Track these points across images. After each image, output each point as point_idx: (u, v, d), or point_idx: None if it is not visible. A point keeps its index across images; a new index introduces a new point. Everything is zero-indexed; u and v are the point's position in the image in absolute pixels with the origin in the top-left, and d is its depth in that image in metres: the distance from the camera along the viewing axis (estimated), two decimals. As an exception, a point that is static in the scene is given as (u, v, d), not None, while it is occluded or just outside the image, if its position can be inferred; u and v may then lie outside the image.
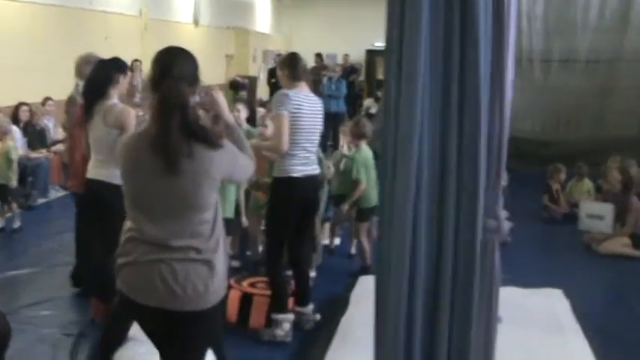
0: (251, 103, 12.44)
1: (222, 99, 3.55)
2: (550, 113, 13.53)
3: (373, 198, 7.03)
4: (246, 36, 22.55)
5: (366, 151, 7.25)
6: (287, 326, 5.50)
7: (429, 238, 1.61)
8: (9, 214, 8.72)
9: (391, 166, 1.59)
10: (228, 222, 6.34)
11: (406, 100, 1.56)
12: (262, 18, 26.31)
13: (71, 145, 6.19)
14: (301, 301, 5.79)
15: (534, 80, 13.60)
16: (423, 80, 1.57)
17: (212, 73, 18.08)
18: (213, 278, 3.14)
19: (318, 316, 5.84)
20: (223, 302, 3.34)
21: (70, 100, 6.81)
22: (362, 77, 24.69)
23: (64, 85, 8.63)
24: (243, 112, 7.37)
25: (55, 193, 10.56)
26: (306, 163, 5.46)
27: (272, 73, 18.32)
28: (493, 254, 3.83)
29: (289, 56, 5.67)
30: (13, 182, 8.59)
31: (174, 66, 3.12)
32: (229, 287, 5.82)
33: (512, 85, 3.94)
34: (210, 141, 3.09)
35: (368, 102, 21.31)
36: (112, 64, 5.54)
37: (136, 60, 13.65)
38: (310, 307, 5.82)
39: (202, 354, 3.40)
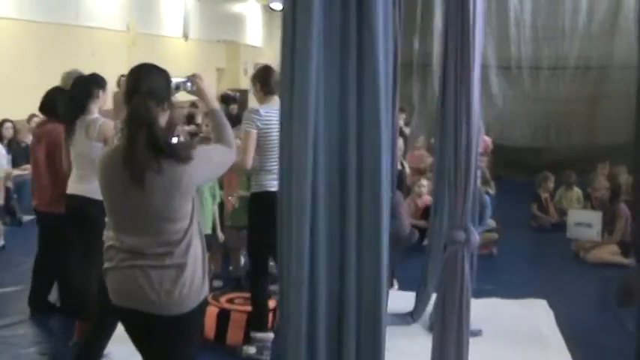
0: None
1: (206, 85, 3.53)
2: (540, 121, 13.48)
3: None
4: (236, 49, 22.56)
5: None
6: (266, 345, 5.40)
7: (329, 244, 1.53)
8: (-7, 232, 8.63)
9: (287, 173, 1.52)
10: (206, 238, 6.30)
11: (299, 101, 1.50)
12: (253, 31, 26.31)
13: (34, 163, 6.18)
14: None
15: (524, 88, 13.57)
16: (317, 80, 1.50)
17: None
18: (186, 283, 3.18)
19: None
20: (203, 311, 3.39)
21: None
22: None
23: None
24: None
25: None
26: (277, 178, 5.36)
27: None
28: (462, 266, 3.78)
29: (261, 70, 5.56)
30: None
31: (143, 82, 3.15)
32: (207, 303, 5.77)
33: (479, 95, 3.90)
34: (179, 156, 3.11)
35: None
36: (91, 79, 5.60)
37: (122, 75, 13.60)
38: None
39: None
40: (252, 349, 5.37)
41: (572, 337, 5.58)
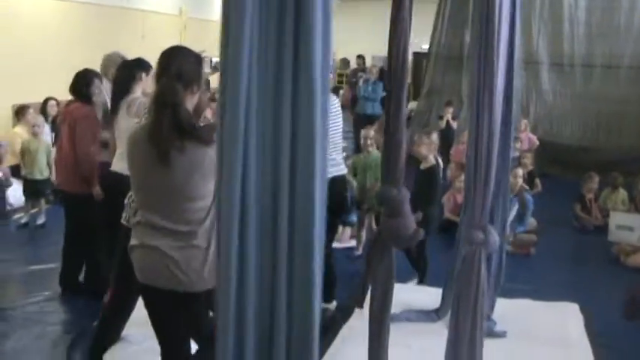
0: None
1: None
2: (590, 119, 13.17)
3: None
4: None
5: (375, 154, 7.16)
6: None
7: (260, 243, 1.49)
8: (35, 210, 8.77)
9: (219, 175, 1.49)
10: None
11: (229, 99, 1.46)
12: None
13: (59, 142, 6.32)
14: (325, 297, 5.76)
15: (575, 85, 13.28)
16: (249, 77, 1.45)
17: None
18: (207, 262, 3.29)
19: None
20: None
21: None
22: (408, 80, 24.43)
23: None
24: None
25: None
26: (332, 165, 5.54)
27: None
28: (479, 267, 3.69)
29: None
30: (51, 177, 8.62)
31: (172, 65, 3.29)
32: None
33: (500, 93, 3.79)
34: (201, 138, 3.21)
35: (412, 104, 21.07)
36: (135, 63, 5.84)
37: (172, 59, 13.77)
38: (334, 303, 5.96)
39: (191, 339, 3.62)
40: None
41: (601, 343, 5.45)
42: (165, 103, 3.20)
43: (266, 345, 1.49)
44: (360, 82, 14.40)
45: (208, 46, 16.73)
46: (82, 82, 6.05)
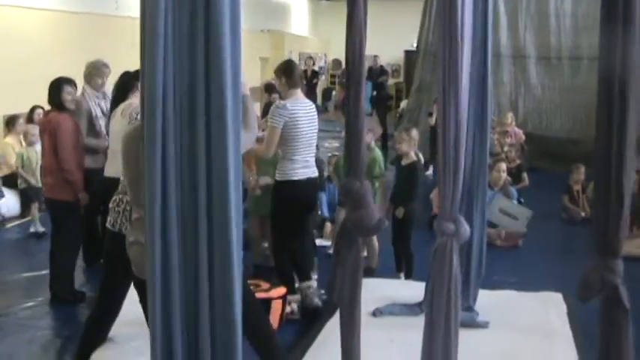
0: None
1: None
2: (579, 112, 13.24)
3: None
4: (281, 39, 22.61)
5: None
6: (294, 306, 5.91)
7: (182, 232, 1.57)
8: (28, 218, 8.85)
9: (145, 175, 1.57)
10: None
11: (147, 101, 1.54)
12: (299, 20, 26.33)
13: (42, 151, 6.48)
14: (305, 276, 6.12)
15: (564, 78, 13.36)
16: (165, 78, 1.54)
17: (246, 75, 18.12)
18: None
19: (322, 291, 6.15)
20: None
21: (75, 105, 6.94)
22: (400, 78, 24.61)
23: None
24: None
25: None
26: (306, 166, 5.86)
27: (302, 76, 18.40)
28: (451, 257, 3.77)
29: (285, 64, 6.17)
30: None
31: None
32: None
33: (466, 87, 3.86)
34: None
35: (404, 103, 21.17)
36: (133, 74, 6.16)
37: (163, 65, 13.82)
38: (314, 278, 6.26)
39: None
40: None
41: (586, 331, 5.51)
42: None
43: (192, 331, 1.58)
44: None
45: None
46: (56, 91, 6.17)
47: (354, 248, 2.53)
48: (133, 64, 6.42)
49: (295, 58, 22.69)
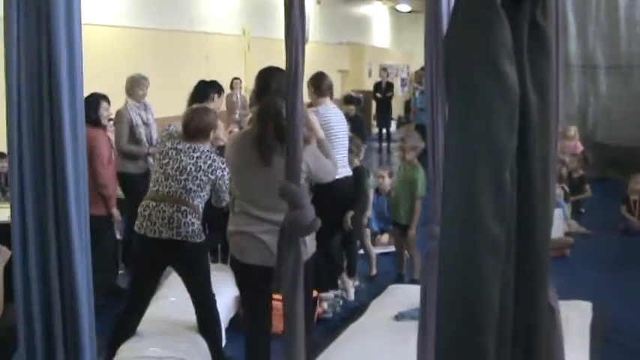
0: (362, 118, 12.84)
1: (314, 119, 4.48)
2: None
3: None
4: (360, 51, 22.83)
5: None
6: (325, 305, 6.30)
7: (37, 233, 1.80)
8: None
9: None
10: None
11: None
12: (380, 32, 26.51)
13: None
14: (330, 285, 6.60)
15: (634, 87, 13.05)
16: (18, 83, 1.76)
17: (323, 88, 18.44)
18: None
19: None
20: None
21: (117, 115, 7.56)
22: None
23: (165, 104, 9.31)
24: None
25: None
26: (342, 166, 6.22)
27: (376, 88, 18.51)
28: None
29: (315, 76, 6.62)
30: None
31: (272, 82, 4.03)
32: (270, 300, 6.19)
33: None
34: None
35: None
36: (210, 84, 6.92)
37: (235, 78, 14.22)
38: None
39: None
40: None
41: (618, 341, 5.53)
42: (269, 115, 3.96)
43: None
44: (417, 94, 14.59)
45: (275, 64, 17.17)
46: (93, 107, 6.46)
47: (294, 247, 2.73)
48: (207, 76, 6.93)
49: (375, 71, 22.91)
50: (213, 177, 4.89)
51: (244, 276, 4.34)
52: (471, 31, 1.61)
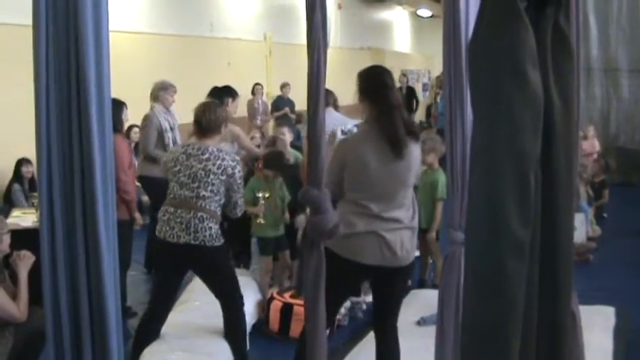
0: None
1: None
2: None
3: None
4: (382, 56, 22.79)
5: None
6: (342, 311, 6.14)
7: (66, 235, 1.82)
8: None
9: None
10: (279, 238, 6.68)
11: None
12: (401, 37, 26.49)
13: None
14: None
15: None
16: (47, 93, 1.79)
17: (344, 93, 18.43)
18: (414, 240, 4.26)
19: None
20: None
21: (145, 119, 7.66)
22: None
23: (188, 110, 9.33)
24: (287, 136, 7.54)
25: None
26: None
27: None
28: (460, 266, 3.88)
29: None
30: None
31: (385, 79, 4.21)
32: (271, 298, 6.17)
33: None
34: (415, 133, 4.24)
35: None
36: (224, 90, 7.08)
37: (257, 84, 14.26)
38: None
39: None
40: None
41: (634, 346, 5.49)
42: (394, 108, 4.09)
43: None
44: (438, 99, 14.55)
45: (296, 70, 17.17)
46: (115, 112, 6.49)
47: (316, 251, 2.75)
48: (230, 81, 6.99)
49: (396, 75, 22.80)
50: (224, 177, 4.90)
51: (357, 276, 4.47)
52: (496, 36, 1.62)
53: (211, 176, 4.86)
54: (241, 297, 5.19)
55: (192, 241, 4.85)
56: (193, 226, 4.83)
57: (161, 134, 7.47)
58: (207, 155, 4.90)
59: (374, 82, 4.22)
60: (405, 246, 4.16)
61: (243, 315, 5.23)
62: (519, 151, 1.66)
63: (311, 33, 2.71)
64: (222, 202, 4.99)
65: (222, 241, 4.99)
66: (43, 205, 1.82)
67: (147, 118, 7.60)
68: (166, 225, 4.92)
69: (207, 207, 4.87)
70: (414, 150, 4.20)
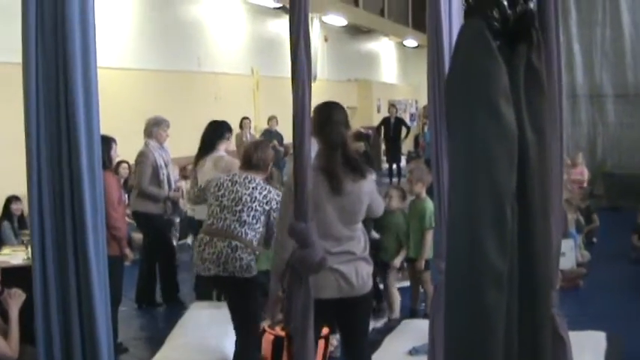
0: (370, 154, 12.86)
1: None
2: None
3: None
4: (369, 87, 22.97)
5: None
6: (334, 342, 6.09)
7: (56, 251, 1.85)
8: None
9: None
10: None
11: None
12: (388, 68, 26.68)
13: None
14: None
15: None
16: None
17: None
18: (370, 269, 4.22)
19: None
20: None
21: (140, 155, 7.68)
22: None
23: (176, 144, 9.40)
24: None
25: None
26: None
27: (383, 123, 18.57)
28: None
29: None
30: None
31: (333, 115, 4.14)
32: (263, 331, 6.17)
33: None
34: (361, 171, 4.12)
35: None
36: (222, 124, 7.20)
37: (245, 118, 14.33)
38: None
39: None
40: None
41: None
42: (335, 145, 4.05)
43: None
44: (426, 129, 14.65)
45: (283, 103, 17.23)
46: (105, 149, 6.49)
47: (304, 285, 2.77)
48: (217, 115, 7.08)
49: (384, 106, 23.00)
50: (268, 207, 4.98)
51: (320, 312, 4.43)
52: (470, 73, 1.67)
53: (256, 203, 4.94)
54: (256, 338, 5.25)
55: (221, 273, 4.93)
56: (224, 257, 4.90)
57: (156, 170, 7.51)
58: (254, 184, 5.00)
59: (318, 118, 4.13)
60: (361, 274, 4.12)
61: (253, 353, 5.26)
62: (496, 184, 1.70)
63: (295, 68, 2.75)
64: (260, 233, 5.06)
65: (254, 273, 5.04)
66: (35, 242, 1.84)
67: (142, 154, 7.62)
68: (199, 258, 5.03)
69: (244, 235, 4.94)
70: (360, 185, 4.09)
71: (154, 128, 7.68)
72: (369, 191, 4.15)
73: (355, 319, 4.32)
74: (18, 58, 2.00)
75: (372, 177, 4.21)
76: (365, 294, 4.19)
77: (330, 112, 4.15)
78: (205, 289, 6.67)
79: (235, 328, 5.17)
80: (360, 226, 4.19)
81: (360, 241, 4.15)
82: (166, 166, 7.62)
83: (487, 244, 1.69)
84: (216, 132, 7.05)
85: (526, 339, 1.87)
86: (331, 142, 4.03)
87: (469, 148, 1.72)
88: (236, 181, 5.03)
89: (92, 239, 1.84)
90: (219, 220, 4.97)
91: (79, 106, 1.83)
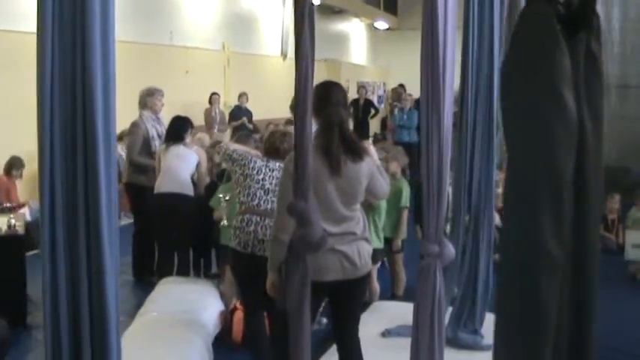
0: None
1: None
2: (629, 140, 13.09)
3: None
4: (337, 67, 22.85)
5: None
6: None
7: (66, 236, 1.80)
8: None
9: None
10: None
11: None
12: (357, 49, 26.61)
13: None
14: None
15: (611, 107, 13.22)
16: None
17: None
18: (370, 248, 4.23)
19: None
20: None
21: (133, 126, 7.69)
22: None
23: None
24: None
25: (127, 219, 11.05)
26: None
27: (353, 105, 18.52)
28: (435, 278, 3.90)
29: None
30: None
31: (332, 95, 4.10)
32: (234, 309, 6.13)
33: (450, 111, 4.01)
34: (360, 151, 4.07)
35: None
36: (186, 120, 7.49)
37: (214, 93, 14.18)
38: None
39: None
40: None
41: (612, 358, 5.59)
42: (333, 125, 4.00)
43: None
44: (396, 111, 14.66)
45: (253, 80, 17.07)
46: None
47: (302, 264, 2.73)
48: (188, 90, 7.08)
49: (353, 88, 22.92)
50: None
51: (319, 293, 4.17)
52: (535, 60, 1.64)
53: None
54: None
55: None
56: None
57: (147, 141, 7.52)
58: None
59: (318, 98, 4.04)
60: (363, 255, 4.14)
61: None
62: (555, 171, 1.68)
63: (300, 44, 2.70)
64: None
65: None
66: (45, 205, 1.78)
67: (134, 125, 7.64)
68: (253, 238, 4.96)
69: None
70: (359, 167, 4.09)
71: (148, 98, 7.70)
72: (367, 173, 4.12)
73: (353, 300, 4.33)
74: (32, 27, 1.92)
75: (370, 159, 4.18)
76: (365, 274, 4.22)
77: (329, 91, 4.13)
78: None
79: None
80: (358, 206, 4.18)
81: (359, 221, 4.14)
82: (159, 137, 7.57)
83: (544, 230, 1.68)
84: (183, 126, 7.31)
85: (577, 324, 1.86)
86: (329, 122, 4.01)
87: (529, 132, 1.69)
88: (273, 168, 5.05)
89: (105, 206, 1.78)
90: (267, 202, 4.99)
91: (96, 72, 1.77)
